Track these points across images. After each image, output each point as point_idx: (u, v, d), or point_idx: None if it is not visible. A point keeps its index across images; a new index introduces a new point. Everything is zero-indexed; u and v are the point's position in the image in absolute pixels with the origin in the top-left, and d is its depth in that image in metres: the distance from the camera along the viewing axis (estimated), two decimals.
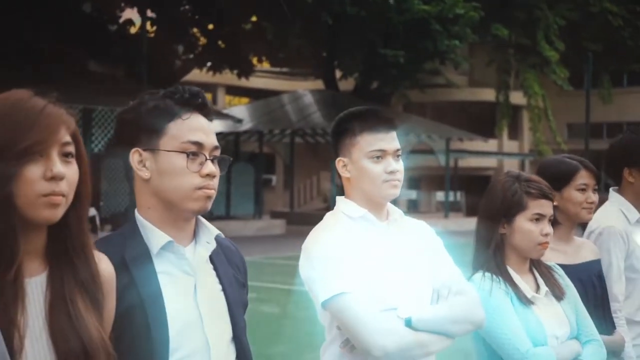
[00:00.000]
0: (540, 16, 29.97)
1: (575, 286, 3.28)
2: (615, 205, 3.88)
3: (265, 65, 39.17)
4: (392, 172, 2.81)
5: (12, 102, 1.81)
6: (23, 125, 1.78)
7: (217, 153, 2.27)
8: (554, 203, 3.19)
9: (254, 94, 43.69)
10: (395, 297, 2.71)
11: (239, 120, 28.13)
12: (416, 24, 24.54)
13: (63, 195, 1.80)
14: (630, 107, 39.79)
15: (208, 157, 2.22)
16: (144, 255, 2.17)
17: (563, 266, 3.34)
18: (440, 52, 26.37)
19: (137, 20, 29.01)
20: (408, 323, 2.65)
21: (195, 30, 30.29)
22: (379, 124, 2.86)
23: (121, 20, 28.33)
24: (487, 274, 3.09)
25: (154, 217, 2.23)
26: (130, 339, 2.03)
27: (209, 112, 2.30)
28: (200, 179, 2.20)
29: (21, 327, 1.73)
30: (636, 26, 34.90)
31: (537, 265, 3.21)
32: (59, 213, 1.80)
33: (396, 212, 2.95)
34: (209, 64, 31.16)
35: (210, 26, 30.02)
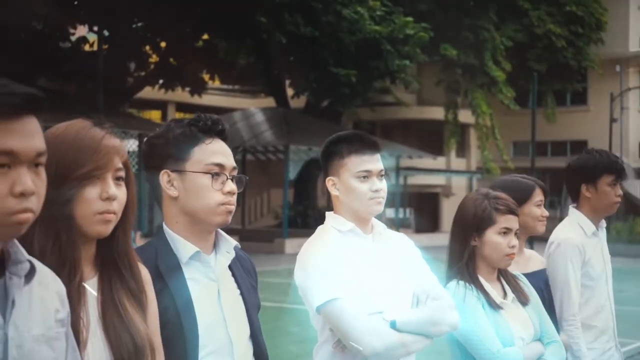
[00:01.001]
0: (488, 37, 30.62)
1: None
2: (574, 220, 4.28)
3: (216, 83, 39.31)
4: (376, 191, 3.15)
5: (76, 131, 2.11)
6: (85, 152, 2.08)
7: (235, 172, 2.60)
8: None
9: (204, 111, 43.56)
10: (380, 301, 3.03)
11: None
12: (367, 44, 24.99)
13: (114, 214, 2.11)
14: (573, 125, 40.57)
15: (228, 177, 2.55)
16: (175, 264, 2.48)
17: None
18: (391, 71, 26.85)
19: (89, 37, 29.11)
20: (393, 325, 2.97)
21: (147, 47, 30.41)
22: (365, 147, 3.19)
23: (74, 37, 28.27)
24: (461, 282, 3.44)
25: (181, 230, 2.54)
26: (166, 337, 2.32)
27: (226, 137, 2.64)
28: (223, 196, 2.52)
29: (86, 325, 2.03)
30: (578, 47, 35.81)
31: (504, 274, 3.57)
32: (110, 228, 2.11)
33: (380, 226, 3.28)
34: (160, 81, 31.29)
35: (163, 44, 30.18)
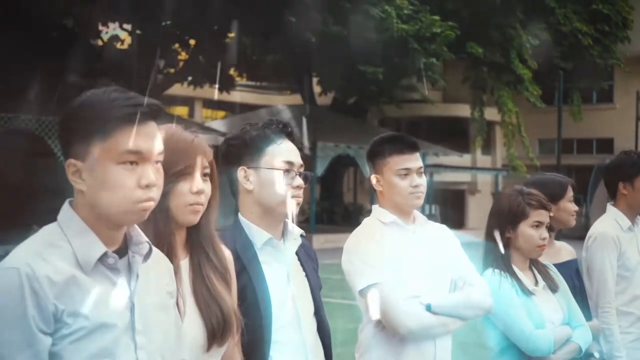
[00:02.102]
0: (514, 35, 30.74)
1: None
2: (611, 215, 4.68)
3: (243, 80, 39.66)
4: (416, 186, 3.52)
5: (171, 134, 2.48)
6: (180, 152, 2.45)
7: (302, 169, 2.97)
8: (550, 213, 3.90)
9: (230, 108, 44.16)
10: (418, 286, 3.39)
11: (224, 134, 28.62)
12: (395, 42, 25.22)
13: (202, 205, 2.48)
14: (599, 123, 40.61)
15: (297, 173, 2.92)
16: (250, 248, 2.86)
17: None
18: (417, 69, 27.09)
19: (120, 34, 29.56)
20: (428, 308, 3.34)
21: (176, 45, 30.78)
22: (405, 147, 3.56)
23: (105, 35, 28.72)
24: (496, 271, 3.78)
25: (255, 219, 2.92)
26: (244, 312, 2.68)
27: (294, 138, 3.01)
28: (292, 190, 2.90)
29: (182, 298, 2.40)
30: (604, 45, 35.82)
31: (535, 264, 3.91)
32: (198, 217, 2.48)
33: (421, 218, 3.64)
34: (189, 78, 31.64)
35: (192, 42, 30.55)
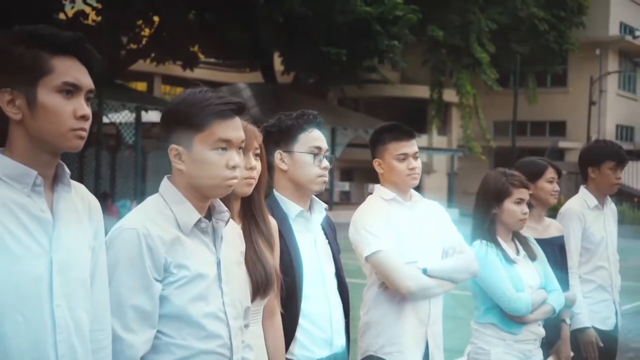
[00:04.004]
0: (474, 20, 31.45)
1: (545, 253, 4.56)
2: (581, 195, 5.25)
3: (201, 57, 39.87)
4: (412, 169, 4.04)
5: None
6: None
7: (328, 154, 3.48)
8: (530, 192, 4.45)
9: (189, 84, 44.22)
10: (415, 254, 3.92)
11: None
12: (358, 24, 25.78)
13: (254, 179, 2.97)
14: (553, 106, 41.53)
15: (324, 156, 3.44)
16: (285, 219, 3.37)
17: (536, 239, 4.62)
18: (380, 51, 27.69)
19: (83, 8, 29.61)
20: (424, 271, 3.87)
21: (140, 22, 30.95)
22: (402, 134, 4.09)
23: (72, 10, 28.75)
24: (483, 242, 4.32)
25: (288, 194, 3.44)
26: (281, 271, 3.19)
27: (322, 127, 3.51)
28: (320, 170, 3.41)
29: None
30: (560, 30, 36.70)
31: (517, 236, 4.46)
32: (251, 190, 2.97)
33: (417, 196, 4.17)
34: (152, 54, 31.85)
35: (156, 18, 30.74)
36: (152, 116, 26.80)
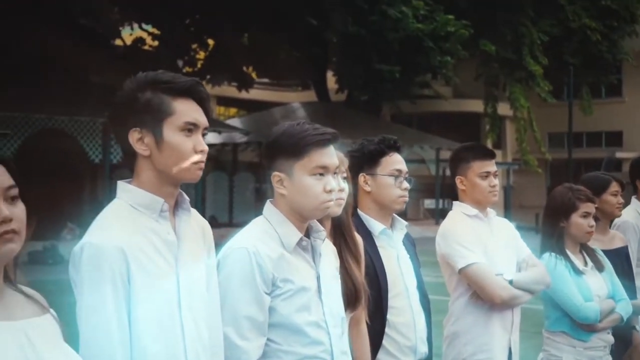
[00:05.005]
0: (525, 33, 31.45)
1: (612, 264, 4.77)
2: (633, 207, 5.42)
3: (254, 77, 40.32)
4: (493, 186, 4.29)
5: None
6: None
7: (407, 175, 3.74)
8: (595, 205, 4.66)
9: (243, 105, 44.86)
10: (500, 266, 4.17)
11: (247, 133, 29.23)
12: (410, 41, 26.05)
13: (344, 200, 3.23)
14: (608, 116, 41.16)
15: (404, 178, 3.70)
16: (370, 236, 3.64)
17: (602, 250, 4.82)
18: (432, 67, 27.92)
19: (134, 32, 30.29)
20: (510, 283, 4.10)
21: (194, 45, 31.56)
22: (485, 154, 4.34)
23: (126, 33, 29.41)
24: (552, 254, 4.54)
25: (372, 213, 3.72)
26: (367, 284, 3.45)
27: (401, 151, 3.77)
28: (401, 191, 3.70)
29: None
30: (612, 40, 36.43)
31: (584, 248, 4.67)
32: (341, 210, 3.24)
33: (492, 212, 4.41)
34: (208, 76, 32.41)
35: (210, 41, 31.33)
36: (210, 138, 27.22)
